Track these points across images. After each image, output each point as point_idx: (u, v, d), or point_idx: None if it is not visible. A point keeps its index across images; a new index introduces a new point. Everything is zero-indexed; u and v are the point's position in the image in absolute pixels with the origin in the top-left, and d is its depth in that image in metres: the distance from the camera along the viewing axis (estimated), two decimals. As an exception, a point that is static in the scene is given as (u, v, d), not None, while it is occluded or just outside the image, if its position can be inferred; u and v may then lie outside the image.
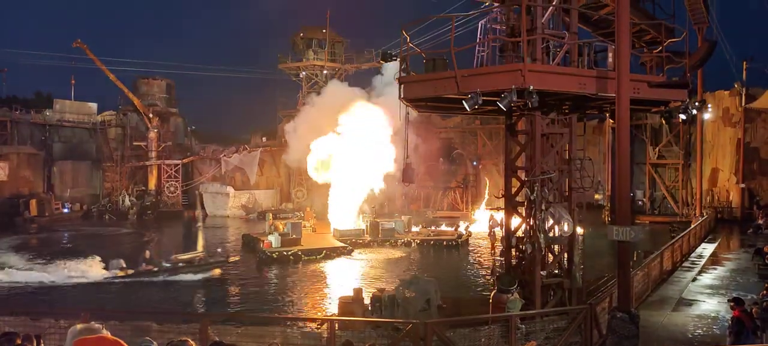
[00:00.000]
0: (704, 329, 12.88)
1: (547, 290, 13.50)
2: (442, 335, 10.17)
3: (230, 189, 54.83)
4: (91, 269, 26.22)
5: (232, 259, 28.76)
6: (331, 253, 31.10)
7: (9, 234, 39.82)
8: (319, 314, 20.30)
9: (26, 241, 38.27)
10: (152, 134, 55.74)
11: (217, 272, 26.49)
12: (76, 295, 23.03)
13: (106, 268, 26.13)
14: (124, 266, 25.85)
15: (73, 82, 61.65)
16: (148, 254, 27.20)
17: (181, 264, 26.71)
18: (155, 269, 26.03)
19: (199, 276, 25.94)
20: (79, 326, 7.46)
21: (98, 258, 27.35)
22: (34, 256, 30.53)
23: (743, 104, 38.83)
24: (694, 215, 36.43)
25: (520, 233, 14.15)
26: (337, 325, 10.69)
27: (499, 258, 14.69)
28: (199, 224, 41.15)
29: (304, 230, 35.65)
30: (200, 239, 30.66)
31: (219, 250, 30.36)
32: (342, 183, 38.79)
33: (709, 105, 38.18)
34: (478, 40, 13.15)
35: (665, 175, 43.10)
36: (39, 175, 51.99)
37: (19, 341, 6.60)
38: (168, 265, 26.48)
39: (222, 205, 54.39)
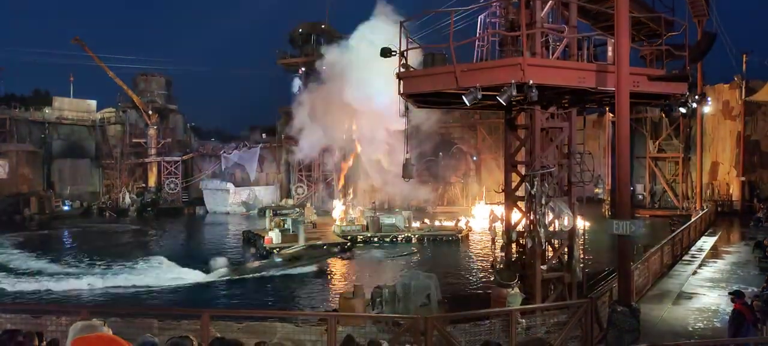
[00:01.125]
0: (705, 322, 12.88)
1: (548, 285, 13.48)
2: (442, 330, 10.17)
3: (230, 186, 54.83)
4: (182, 270, 26.02)
5: (333, 250, 29.50)
6: (332, 248, 31.15)
7: (12, 232, 39.82)
8: (319, 309, 20.33)
9: (36, 239, 38.22)
10: (152, 131, 55.69)
11: (318, 266, 26.88)
12: (206, 295, 22.72)
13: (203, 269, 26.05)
14: (229, 263, 26.14)
15: (71, 79, 61.68)
16: (253, 250, 27.81)
17: (288, 259, 27.29)
18: (260, 264, 26.40)
19: (313, 268, 26.35)
20: (80, 324, 7.47)
21: (163, 258, 27.78)
22: (85, 258, 29.73)
23: (743, 97, 38.78)
24: (695, 208, 36.44)
25: (520, 228, 14.14)
26: (337, 320, 10.70)
27: (499, 253, 14.67)
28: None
29: (305, 226, 35.67)
30: (300, 236, 30.76)
31: (319, 242, 30.99)
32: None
33: (709, 98, 38.13)
34: (477, 35, 13.10)
35: (665, 168, 43.09)
36: (38, 173, 52.01)
37: (20, 339, 6.60)
38: (279, 260, 26.81)
39: (222, 201, 54.39)
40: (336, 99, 39.84)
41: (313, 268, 26.22)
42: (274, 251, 28.40)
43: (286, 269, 25.86)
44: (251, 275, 25.25)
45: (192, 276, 25.03)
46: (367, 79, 35.12)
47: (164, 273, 25.40)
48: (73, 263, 28.62)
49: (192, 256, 30.13)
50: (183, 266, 26.48)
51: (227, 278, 24.85)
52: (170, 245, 35.98)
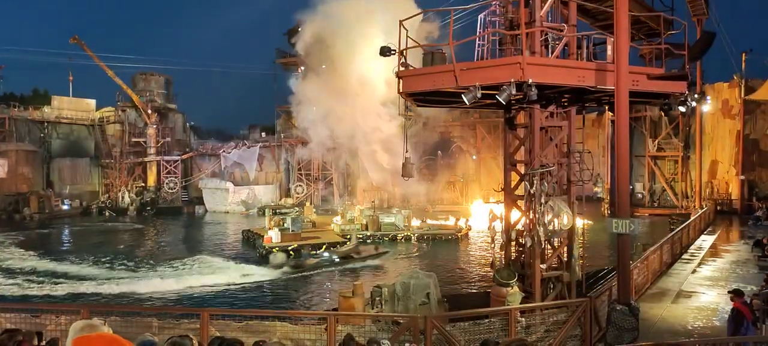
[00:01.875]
0: (704, 320, 12.89)
1: (547, 284, 13.50)
2: (441, 328, 10.18)
3: (229, 185, 54.83)
4: (250, 267, 27.04)
5: (379, 250, 30.35)
6: (332, 248, 31.18)
7: (11, 231, 39.78)
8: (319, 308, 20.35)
9: (40, 238, 38.16)
10: (151, 130, 55.66)
11: (376, 261, 28.25)
12: (278, 290, 23.63)
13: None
14: (287, 260, 27.70)
15: (70, 78, 61.64)
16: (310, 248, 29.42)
17: (340, 256, 28.59)
18: (318, 260, 27.89)
19: (375, 262, 27.89)
20: (80, 323, 7.46)
21: (208, 257, 28.84)
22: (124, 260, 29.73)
23: (742, 96, 38.80)
24: (694, 207, 36.46)
25: (519, 227, 14.15)
26: (337, 319, 10.70)
27: (499, 252, 14.67)
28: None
29: (304, 225, 35.69)
30: (353, 237, 31.66)
31: (368, 241, 32.30)
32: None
33: (709, 97, 38.13)
34: (477, 34, 13.10)
35: (664, 167, 43.10)
36: (38, 172, 51.97)
37: (20, 339, 6.60)
38: (336, 258, 28.22)
39: (221, 200, 54.39)
40: (332, 83, 39.85)
41: (375, 262, 27.89)
42: (328, 249, 30.35)
43: (347, 264, 27.40)
44: (313, 272, 26.45)
45: (261, 273, 26.08)
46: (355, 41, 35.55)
47: (233, 272, 26.19)
48: (129, 265, 28.51)
49: (235, 254, 31.49)
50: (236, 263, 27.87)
51: (290, 274, 25.98)
52: (192, 245, 36.13)
